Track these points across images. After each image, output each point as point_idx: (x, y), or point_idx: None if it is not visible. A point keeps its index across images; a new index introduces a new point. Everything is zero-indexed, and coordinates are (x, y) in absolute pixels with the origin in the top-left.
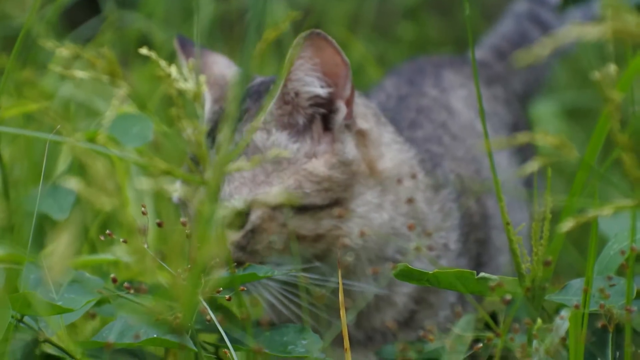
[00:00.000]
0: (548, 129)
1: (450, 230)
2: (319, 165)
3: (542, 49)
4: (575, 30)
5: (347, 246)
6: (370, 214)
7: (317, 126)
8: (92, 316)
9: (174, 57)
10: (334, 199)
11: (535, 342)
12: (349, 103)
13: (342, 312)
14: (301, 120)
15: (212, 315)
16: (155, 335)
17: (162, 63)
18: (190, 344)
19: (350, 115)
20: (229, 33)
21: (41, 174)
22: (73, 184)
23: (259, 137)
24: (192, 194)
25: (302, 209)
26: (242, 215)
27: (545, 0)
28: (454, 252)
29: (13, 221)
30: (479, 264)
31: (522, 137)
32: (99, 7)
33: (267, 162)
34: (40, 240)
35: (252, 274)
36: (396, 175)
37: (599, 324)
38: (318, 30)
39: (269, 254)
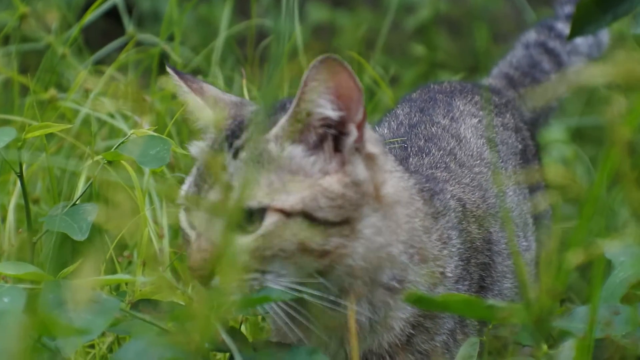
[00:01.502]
0: (556, 155)
1: (448, 257)
2: (334, 182)
3: (555, 89)
4: (585, 73)
5: (350, 266)
6: (374, 237)
7: (329, 146)
8: (104, 335)
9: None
10: (344, 218)
11: None
12: (360, 127)
13: (354, 340)
14: (312, 138)
15: (225, 336)
16: (169, 357)
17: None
18: None
19: (360, 138)
20: (243, 50)
21: (62, 192)
22: (92, 205)
23: (273, 148)
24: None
25: (314, 222)
26: (255, 220)
27: (554, 30)
28: (451, 279)
29: (34, 240)
30: (481, 287)
31: (534, 174)
32: (119, 21)
33: (284, 170)
34: (60, 259)
35: (265, 296)
36: (396, 202)
37: (605, 352)
38: (334, 55)
39: (275, 262)
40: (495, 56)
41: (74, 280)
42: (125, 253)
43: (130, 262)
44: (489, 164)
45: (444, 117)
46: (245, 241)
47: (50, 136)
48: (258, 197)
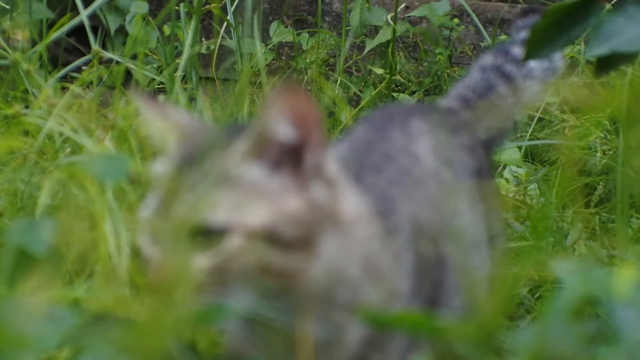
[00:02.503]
0: (510, 176)
1: (402, 276)
2: (294, 204)
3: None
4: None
5: (308, 287)
6: (333, 258)
7: (288, 168)
8: (63, 348)
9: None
10: (304, 239)
11: None
12: (320, 151)
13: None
14: (272, 160)
15: (179, 352)
16: None
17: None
18: None
19: (320, 162)
20: (207, 69)
21: (23, 207)
22: (51, 221)
23: (233, 167)
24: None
25: (273, 243)
26: (214, 239)
27: (510, 54)
28: (405, 297)
29: None
30: (434, 305)
31: (488, 193)
32: (83, 37)
33: (244, 190)
34: (17, 274)
35: (223, 310)
36: (354, 223)
37: None
38: (294, 84)
39: (233, 282)
40: (453, 78)
41: (30, 294)
42: (79, 267)
43: (89, 276)
44: (445, 183)
45: (401, 134)
46: (203, 260)
47: (12, 152)
48: (218, 216)
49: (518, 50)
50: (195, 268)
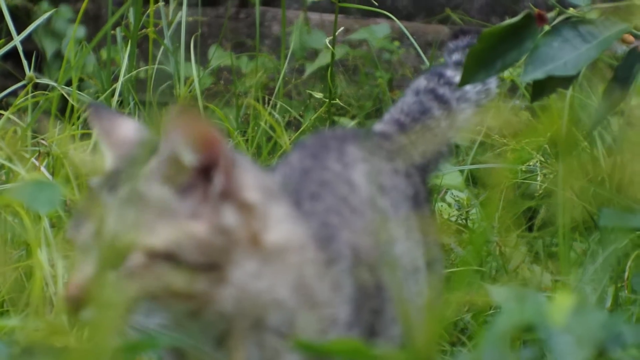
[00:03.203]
0: (451, 200)
1: (340, 304)
2: (199, 228)
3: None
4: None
5: (220, 312)
6: (248, 283)
7: (198, 191)
8: None
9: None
10: (211, 263)
11: None
12: (226, 175)
13: None
14: (182, 182)
15: None
16: None
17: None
18: None
19: (227, 186)
20: (143, 94)
21: None
22: None
23: (143, 187)
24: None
25: (176, 265)
26: (123, 258)
27: (443, 77)
28: (342, 325)
29: None
30: (372, 333)
31: (425, 219)
32: (22, 66)
33: (151, 211)
34: None
35: (153, 341)
36: (283, 249)
37: None
38: (189, 107)
39: (141, 302)
40: (394, 102)
41: None
42: (14, 297)
43: (24, 307)
44: (380, 211)
45: (337, 162)
46: (112, 278)
47: None
48: (124, 235)
49: (451, 73)
50: (108, 286)
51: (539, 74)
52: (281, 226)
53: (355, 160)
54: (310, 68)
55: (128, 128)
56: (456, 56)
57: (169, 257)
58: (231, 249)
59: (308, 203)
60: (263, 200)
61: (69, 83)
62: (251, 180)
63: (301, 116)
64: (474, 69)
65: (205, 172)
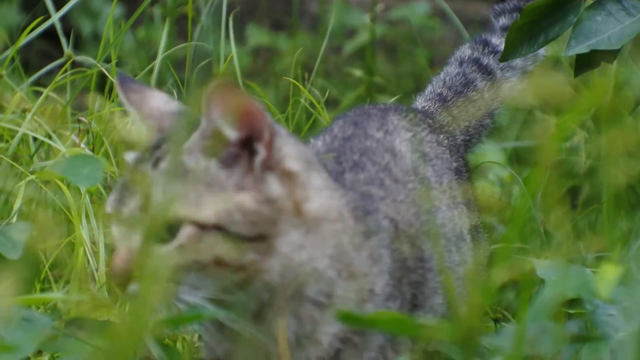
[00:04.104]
0: (493, 178)
1: (378, 275)
2: (248, 199)
3: (488, 105)
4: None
5: (267, 282)
6: (293, 253)
7: (241, 163)
8: (40, 354)
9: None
10: (260, 234)
11: None
12: (269, 146)
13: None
14: (226, 155)
15: (155, 352)
16: None
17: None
18: None
19: (270, 157)
20: (182, 72)
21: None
22: (26, 224)
23: (189, 160)
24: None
25: (229, 237)
26: (172, 231)
27: (489, 45)
28: (380, 296)
29: None
30: (414, 305)
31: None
32: (56, 41)
33: (200, 183)
34: None
35: (197, 314)
36: (323, 218)
37: None
38: (227, 81)
39: (191, 274)
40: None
41: (5, 298)
42: (57, 271)
43: (67, 282)
44: (424, 180)
45: (378, 130)
46: (161, 252)
47: None
48: (174, 209)
49: (497, 41)
50: (156, 258)
51: (582, 48)
52: (321, 196)
53: (398, 129)
54: (349, 46)
55: (158, 100)
56: (503, 20)
57: (219, 229)
58: (277, 220)
59: (349, 173)
60: (303, 170)
61: (107, 62)
62: (291, 151)
63: (340, 95)
64: (516, 43)
65: (247, 143)
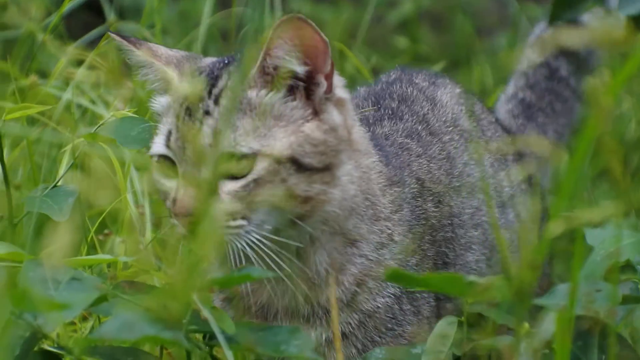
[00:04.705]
0: None
1: (397, 223)
2: (315, 129)
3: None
4: (562, 35)
5: (328, 212)
6: (349, 185)
7: (301, 95)
8: (87, 317)
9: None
10: (326, 164)
11: (522, 344)
12: (329, 77)
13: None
14: (283, 88)
15: (206, 313)
16: (151, 332)
17: (166, 69)
18: (184, 341)
19: (330, 88)
20: (225, 41)
21: (42, 177)
22: (73, 185)
23: (250, 94)
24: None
25: (300, 169)
26: (243, 165)
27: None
28: (398, 244)
29: (15, 222)
30: (445, 263)
31: (518, 142)
32: (102, 14)
33: (267, 117)
34: (41, 240)
35: (246, 274)
36: (359, 149)
37: (585, 327)
38: (298, 14)
39: (261, 208)
40: (478, 50)
41: (55, 259)
42: (106, 231)
43: (112, 243)
44: (463, 132)
45: (425, 80)
46: (233, 187)
47: (31, 123)
48: (248, 142)
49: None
50: (224, 195)
51: (632, 9)
52: (357, 127)
53: (446, 84)
54: (393, 17)
55: (162, 48)
56: None
57: (293, 160)
58: (339, 149)
59: (388, 121)
60: (349, 98)
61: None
62: (338, 79)
63: (384, 64)
64: (564, 6)
65: (308, 75)
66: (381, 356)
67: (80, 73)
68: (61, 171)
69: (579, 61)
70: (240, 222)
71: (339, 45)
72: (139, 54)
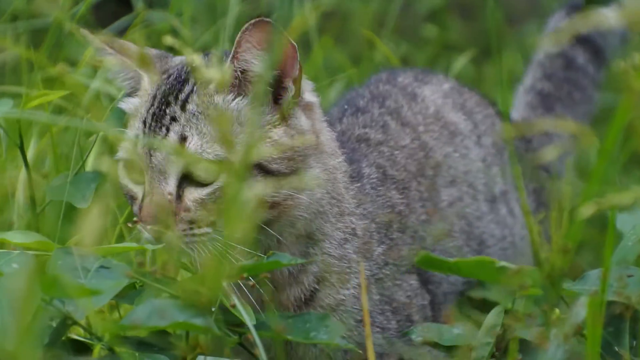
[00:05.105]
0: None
1: (360, 217)
2: (282, 134)
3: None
4: (595, 17)
5: (295, 217)
6: (316, 188)
7: (269, 100)
8: (114, 307)
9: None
10: (294, 169)
11: (553, 329)
12: (297, 82)
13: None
14: (250, 93)
15: (236, 300)
16: (181, 320)
17: (192, 55)
18: (215, 328)
19: (298, 93)
20: None
21: (67, 167)
22: (95, 174)
23: (217, 99)
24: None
25: (267, 174)
26: (210, 172)
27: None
28: (361, 238)
29: (37, 210)
30: (422, 249)
31: (545, 123)
32: (130, 5)
33: (233, 123)
34: (66, 228)
35: (275, 261)
36: (327, 151)
37: (616, 312)
38: (266, 18)
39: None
40: (508, 38)
41: (83, 247)
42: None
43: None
44: (448, 124)
45: (409, 78)
46: (199, 194)
47: (60, 112)
48: (215, 149)
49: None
50: (190, 203)
51: None
52: (325, 129)
53: (436, 81)
54: (422, 6)
55: (133, 46)
56: None
57: (260, 167)
58: (307, 153)
59: (347, 117)
60: (316, 103)
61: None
62: (307, 84)
63: (413, 53)
64: None
65: (276, 79)
66: (420, 334)
67: (108, 61)
68: (88, 159)
69: (595, 49)
70: (205, 229)
71: (368, 34)
72: (111, 52)
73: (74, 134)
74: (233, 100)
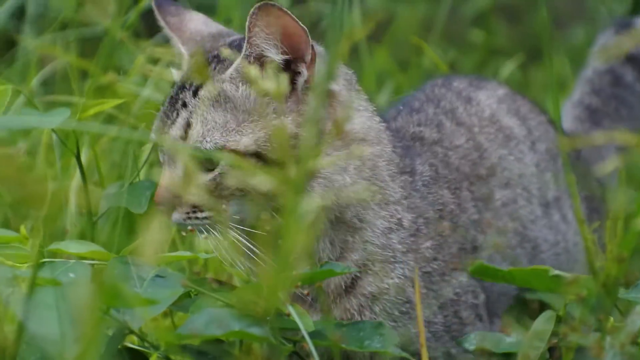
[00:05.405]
0: None
1: (407, 208)
2: (288, 123)
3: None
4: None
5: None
6: (334, 176)
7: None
8: (167, 314)
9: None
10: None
11: (609, 338)
12: (310, 67)
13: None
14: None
15: (291, 309)
16: (237, 328)
17: (248, 66)
18: (271, 337)
19: (311, 77)
20: None
21: (120, 175)
22: (150, 181)
23: (228, 87)
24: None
25: (269, 163)
26: (212, 159)
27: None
28: (407, 230)
29: (94, 219)
30: (474, 248)
31: (601, 136)
32: None
33: (239, 111)
34: (121, 237)
35: (329, 270)
36: (362, 139)
37: None
38: (272, 2)
39: (233, 201)
40: (556, 41)
41: (138, 257)
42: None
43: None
44: (503, 128)
45: (465, 82)
46: (203, 179)
47: (110, 121)
48: (214, 137)
49: None
50: (198, 186)
51: None
52: (361, 116)
53: (491, 87)
54: (469, 10)
55: (197, 22)
56: None
57: (259, 156)
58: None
59: (403, 115)
60: (345, 89)
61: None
62: (339, 73)
63: (460, 58)
64: None
65: (288, 65)
66: (475, 342)
67: (159, 70)
68: (139, 167)
69: None
70: (207, 213)
71: (416, 40)
72: (164, 25)
73: (124, 142)
74: (243, 87)
